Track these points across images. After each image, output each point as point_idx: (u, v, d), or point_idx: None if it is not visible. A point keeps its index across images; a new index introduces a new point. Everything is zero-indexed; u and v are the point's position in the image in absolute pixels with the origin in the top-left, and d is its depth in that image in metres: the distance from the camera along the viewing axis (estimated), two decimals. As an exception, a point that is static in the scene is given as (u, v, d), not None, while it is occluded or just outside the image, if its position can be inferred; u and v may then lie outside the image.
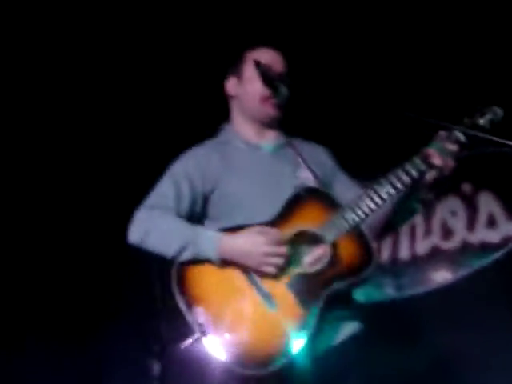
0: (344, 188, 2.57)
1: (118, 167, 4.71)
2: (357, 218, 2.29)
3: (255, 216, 2.35)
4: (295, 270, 2.27)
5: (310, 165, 2.52)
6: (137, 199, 2.49)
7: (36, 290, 4.71)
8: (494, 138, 1.98)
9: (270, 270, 2.23)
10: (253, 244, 2.24)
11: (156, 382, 2.89)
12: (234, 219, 2.39)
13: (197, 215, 2.48)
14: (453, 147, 2.30)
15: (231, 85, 2.63)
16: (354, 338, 2.37)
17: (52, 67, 4.44)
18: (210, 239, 2.29)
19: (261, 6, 4.14)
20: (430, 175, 2.34)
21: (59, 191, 4.76)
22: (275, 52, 2.60)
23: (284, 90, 2.45)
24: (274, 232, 2.27)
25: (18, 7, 4.06)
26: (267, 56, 2.55)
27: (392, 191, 2.32)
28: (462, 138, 2.32)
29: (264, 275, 2.25)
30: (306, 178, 2.49)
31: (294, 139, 2.64)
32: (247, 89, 2.57)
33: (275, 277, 2.24)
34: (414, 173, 2.31)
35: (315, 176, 2.49)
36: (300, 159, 2.52)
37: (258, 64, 2.45)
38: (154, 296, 4.08)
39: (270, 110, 2.54)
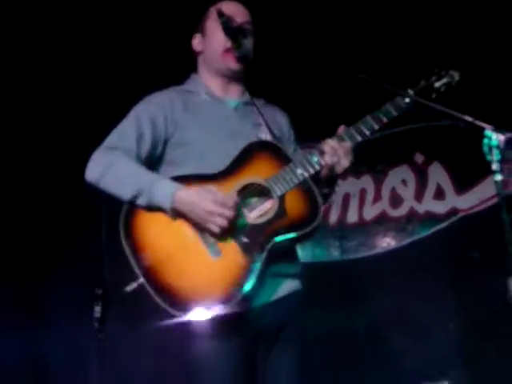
0: (293, 153, 2.57)
1: (81, 104, 4.64)
2: (306, 174, 2.31)
3: (210, 166, 2.35)
4: (243, 222, 2.28)
5: (271, 126, 2.52)
6: (98, 138, 2.45)
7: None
8: (441, 109, 2.00)
9: (213, 228, 2.23)
10: (200, 199, 2.24)
11: (96, 324, 2.91)
12: (191, 167, 2.38)
13: (155, 158, 2.46)
14: (345, 146, 2.31)
15: (197, 41, 2.61)
16: (292, 295, 2.40)
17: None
18: (165, 188, 2.27)
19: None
20: (323, 172, 2.35)
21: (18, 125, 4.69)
22: (239, 4, 2.58)
23: (245, 42, 2.44)
24: (224, 194, 2.26)
25: (18, 7, 3.97)
26: (230, 7, 2.52)
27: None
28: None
29: (207, 232, 2.25)
30: (265, 137, 2.49)
31: (257, 99, 2.63)
32: (209, 42, 2.55)
33: (217, 236, 2.24)
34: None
35: (274, 136, 2.49)
36: (261, 119, 2.52)
37: (220, 14, 2.42)
38: (100, 239, 4.08)
39: (231, 63, 2.51)
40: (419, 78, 2.41)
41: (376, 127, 2.34)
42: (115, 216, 2.40)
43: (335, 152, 2.29)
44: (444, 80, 2.38)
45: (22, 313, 4.64)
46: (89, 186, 2.37)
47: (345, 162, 2.31)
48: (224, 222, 2.22)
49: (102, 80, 4.59)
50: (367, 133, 2.34)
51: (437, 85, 2.38)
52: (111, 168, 2.33)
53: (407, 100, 2.33)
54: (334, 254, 4.58)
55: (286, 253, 2.33)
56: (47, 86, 4.66)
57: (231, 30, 2.42)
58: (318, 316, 2.86)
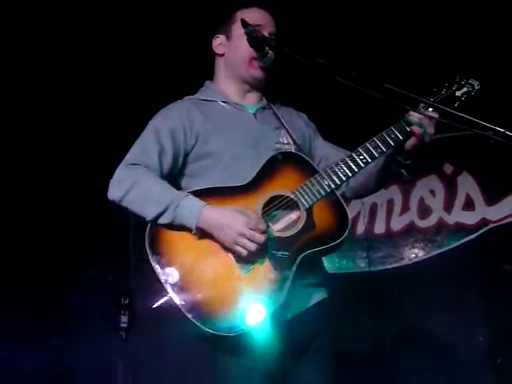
0: (323, 153, 2.56)
1: (100, 121, 4.67)
2: (332, 185, 2.28)
3: (233, 177, 2.32)
4: (271, 235, 2.24)
5: (290, 129, 2.50)
6: (118, 154, 2.42)
7: (12, 238, 4.72)
8: (465, 116, 1.97)
9: (240, 250, 2.18)
10: (232, 220, 2.19)
11: (123, 334, 2.91)
12: (214, 178, 2.35)
13: (176, 171, 2.42)
14: (433, 114, 2.27)
15: (219, 43, 2.56)
16: (321, 304, 2.37)
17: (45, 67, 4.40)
18: (191, 207, 2.22)
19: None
20: (410, 142, 2.31)
21: (43, 145, 4.74)
22: (265, 12, 2.54)
23: (270, 53, 2.42)
24: (255, 217, 2.21)
25: (18, 7, 4.00)
26: (256, 16, 2.49)
27: (369, 160, 2.30)
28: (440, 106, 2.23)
29: (234, 254, 2.21)
30: (287, 142, 2.47)
31: (273, 103, 2.61)
32: (235, 48, 2.51)
33: (245, 260, 2.19)
34: (391, 142, 2.30)
35: (294, 141, 2.47)
36: (281, 123, 2.50)
37: (245, 24, 2.38)
38: (128, 252, 4.10)
39: (255, 72, 2.48)
40: (434, 86, 2.37)
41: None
42: (143, 226, 2.39)
43: (422, 121, 2.27)
44: (464, 89, 2.34)
45: (48, 323, 4.67)
46: (112, 204, 2.33)
47: (431, 131, 2.28)
48: (252, 247, 2.17)
49: (117, 92, 4.59)
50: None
51: (458, 94, 2.34)
52: (134, 186, 2.28)
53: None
54: (361, 265, 4.54)
55: (312, 263, 2.30)
56: (69, 101, 4.69)
57: (256, 40, 2.39)
58: (344, 327, 2.83)
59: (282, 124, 2.49)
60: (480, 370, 3.96)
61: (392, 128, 2.31)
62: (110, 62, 4.47)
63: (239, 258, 2.20)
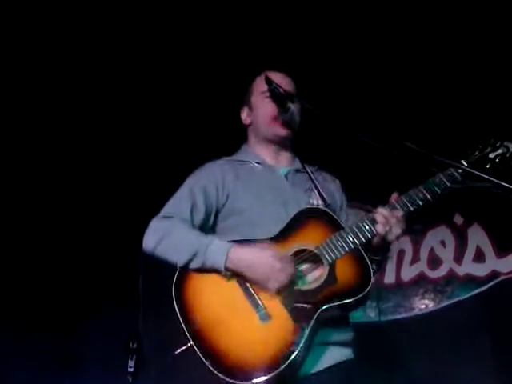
0: (345, 221, 2.55)
1: (139, 176, 4.78)
2: (357, 241, 2.29)
3: (262, 233, 2.36)
4: (293, 288, 2.26)
5: (322, 191, 2.53)
6: (155, 208, 2.52)
7: (21, 279, 4.74)
8: (495, 180, 1.98)
9: (273, 284, 2.23)
10: (260, 256, 2.25)
11: (130, 378, 2.90)
12: (242, 234, 2.40)
13: (208, 228, 2.49)
14: (398, 213, 2.28)
15: (244, 114, 2.69)
16: (344, 363, 2.34)
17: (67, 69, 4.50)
18: (219, 248, 2.29)
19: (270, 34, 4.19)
20: (375, 240, 2.31)
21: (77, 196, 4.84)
22: (283, 75, 2.64)
23: (292, 107, 2.50)
24: (280, 252, 2.27)
25: (18, 7, 4.09)
26: (276, 77, 2.58)
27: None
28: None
29: (265, 290, 2.24)
30: (317, 204, 2.49)
31: (309, 166, 2.66)
32: (257, 113, 2.62)
33: (276, 293, 2.23)
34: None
35: (325, 203, 2.49)
36: (313, 185, 2.54)
37: (268, 81, 2.48)
38: (137, 296, 4.10)
39: (278, 130, 2.56)
40: (467, 148, 2.39)
41: (429, 198, 2.31)
42: (153, 270, 2.42)
43: (387, 221, 2.27)
44: (499, 151, 2.35)
45: (56, 365, 4.66)
46: (145, 255, 2.41)
47: (397, 231, 2.27)
48: (284, 278, 2.22)
49: (158, 152, 4.72)
50: (420, 203, 2.31)
51: (491, 155, 2.34)
52: (167, 235, 2.37)
53: (461, 171, 2.30)
54: (371, 314, 4.51)
55: (336, 320, 2.29)
56: (107, 152, 4.82)
57: (278, 95, 2.47)
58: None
59: (315, 186, 2.53)
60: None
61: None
62: (163, 123, 4.62)
63: (259, 307, 2.22)
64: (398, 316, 4.44)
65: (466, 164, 2.32)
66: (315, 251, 2.30)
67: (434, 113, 4.31)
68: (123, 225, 4.67)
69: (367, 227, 2.30)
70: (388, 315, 4.47)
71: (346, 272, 2.28)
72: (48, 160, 4.80)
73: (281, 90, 2.47)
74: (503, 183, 1.91)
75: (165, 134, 4.69)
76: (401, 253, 4.57)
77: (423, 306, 4.42)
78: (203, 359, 2.18)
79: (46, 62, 4.38)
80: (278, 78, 2.57)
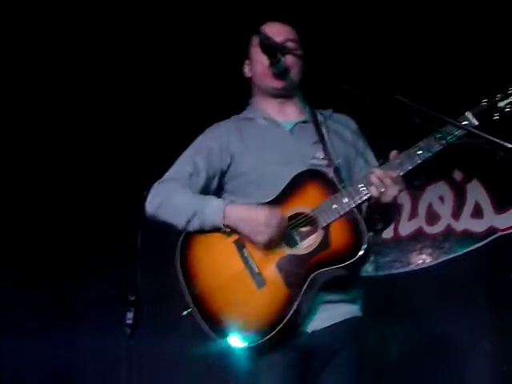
0: (364, 165, 2.55)
1: (149, 139, 4.73)
2: (352, 203, 2.28)
3: (265, 195, 2.38)
4: (287, 251, 2.29)
5: (331, 144, 2.50)
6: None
7: (19, 231, 4.74)
8: (492, 138, 1.94)
9: (262, 237, 2.27)
10: (253, 211, 2.31)
11: (128, 330, 2.92)
12: (248, 196, 2.43)
13: (213, 188, 2.53)
14: (394, 174, 2.25)
15: (247, 68, 2.68)
16: (349, 320, 2.38)
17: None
18: (215, 206, 2.36)
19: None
20: (372, 201, 2.30)
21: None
22: (282, 24, 2.60)
23: (283, 58, 2.45)
24: (271, 208, 2.30)
25: (18, 7, 4.06)
26: (273, 28, 2.55)
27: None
28: (474, 121, 2.24)
29: (256, 245, 2.29)
30: (323, 158, 2.47)
31: (323, 111, 2.63)
32: (254, 66, 2.60)
33: (266, 248, 2.28)
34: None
35: (329, 157, 2.46)
36: (320, 137, 2.51)
37: (258, 32, 2.45)
38: (135, 248, 4.10)
39: (272, 82, 2.54)
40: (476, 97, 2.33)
41: (428, 156, 2.28)
42: (150, 223, 2.44)
43: (382, 182, 2.24)
44: (510, 99, 2.27)
45: (52, 316, 4.70)
46: (150, 220, 2.48)
47: (393, 192, 2.25)
48: (274, 231, 2.25)
49: (167, 112, 4.69)
50: (418, 161, 2.28)
51: (501, 104, 2.27)
52: (166, 200, 2.44)
53: (469, 123, 2.25)
54: (368, 269, 4.53)
55: (339, 280, 2.30)
56: (108, 121, 4.80)
57: (267, 46, 2.44)
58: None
59: (322, 139, 2.50)
60: (486, 378, 3.95)
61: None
62: (166, 83, 4.59)
63: (255, 272, 2.27)
64: (395, 271, 4.46)
65: (471, 115, 2.27)
66: (311, 214, 2.29)
67: (439, 65, 4.24)
68: (121, 177, 4.67)
69: (362, 189, 2.28)
70: (385, 270, 4.48)
71: (339, 236, 2.28)
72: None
73: (270, 41, 2.42)
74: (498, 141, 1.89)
75: (176, 90, 4.62)
76: (399, 208, 4.56)
77: (420, 261, 4.43)
78: (201, 322, 2.26)
79: (42, 56, 4.38)
80: (275, 28, 2.54)
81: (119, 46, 4.45)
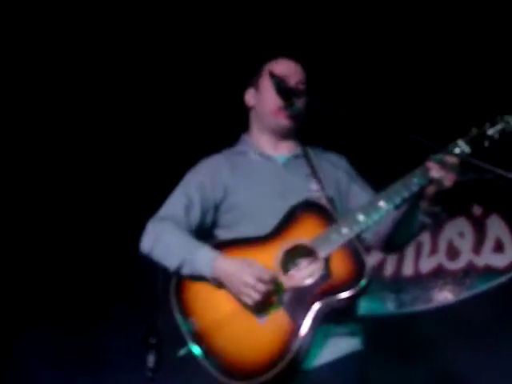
0: (359, 201, 2.53)
1: (140, 176, 4.80)
2: (351, 233, 2.28)
3: (261, 227, 2.36)
4: (288, 283, 2.27)
5: (324, 176, 2.52)
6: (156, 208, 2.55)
7: (44, 280, 4.81)
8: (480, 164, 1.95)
9: (246, 300, 2.24)
10: (238, 271, 2.25)
11: (149, 373, 2.92)
12: (243, 230, 2.42)
13: (208, 223, 2.51)
14: (453, 159, 2.25)
15: (249, 95, 2.66)
16: (352, 356, 2.34)
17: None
18: (204, 258, 2.32)
19: (282, 18, 4.17)
20: (431, 188, 2.29)
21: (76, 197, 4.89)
22: (293, 63, 2.61)
23: (297, 101, 2.48)
24: (261, 268, 2.26)
25: (18, 7, 4.13)
26: (284, 67, 2.57)
27: (390, 206, 2.30)
28: (465, 148, 2.28)
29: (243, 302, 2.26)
30: (316, 190, 2.48)
31: (312, 149, 2.64)
32: (262, 99, 2.59)
33: (253, 310, 2.24)
34: (413, 186, 2.28)
35: (323, 189, 2.47)
36: (313, 171, 2.52)
37: (272, 75, 2.47)
38: (155, 291, 4.11)
39: (282, 121, 2.54)
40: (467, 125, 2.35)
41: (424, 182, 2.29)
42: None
43: (441, 166, 2.24)
44: (498, 126, 2.29)
45: (76, 361, 4.70)
46: (144, 258, 2.46)
47: (451, 177, 2.24)
48: (256, 296, 2.22)
49: (158, 150, 4.73)
50: (414, 189, 2.29)
51: (490, 132, 2.29)
52: (160, 239, 2.41)
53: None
54: (390, 307, 4.49)
55: (339, 312, 2.29)
56: (108, 156, 4.85)
57: (283, 90, 2.46)
58: (372, 371, 2.80)
59: (315, 171, 2.51)
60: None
61: (414, 172, 2.30)
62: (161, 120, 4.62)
63: (254, 308, 2.24)
64: (417, 308, 4.41)
65: (463, 142, 2.28)
66: (310, 245, 2.28)
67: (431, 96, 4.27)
68: (133, 224, 4.70)
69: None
70: (407, 307, 4.45)
71: (340, 265, 2.27)
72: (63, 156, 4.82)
73: (286, 85, 2.46)
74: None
75: (163, 130, 4.68)
76: (419, 244, 4.52)
77: (442, 298, 4.38)
78: (204, 362, 2.21)
79: (44, 58, 4.41)
80: (286, 68, 2.56)
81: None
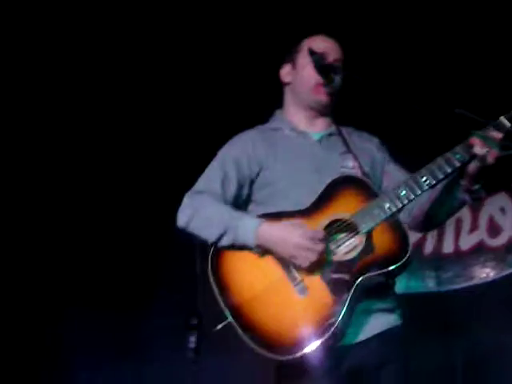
0: (393, 179, 2.51)
1: (175, 151, 4.81)
2: (393, 208, 2.26)
3: (296, 203, 2.36)
4: (329, 258, 2.26)
5: (358, 154, 2.49)
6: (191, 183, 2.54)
7: (88, 264, 4.90)
8: None
9: (301, 262, 2.23)
10: (289, 233, 2.25)
11: (191, 354, 2.94)
12: (278, 205, 2.40)
13: (243, 198, 2.50)
14: (497, 135, 2.21)
15: (286, 72, 2.64)
16: (391, 331, 2.34)
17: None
18: (248, 225, 2.31)
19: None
20: (473, 165, 2.25)
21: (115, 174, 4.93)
22: (331, 40, 2.59)
23: (336, 78, 2.47)
24: (312, 229, 2.26)
25: (18, 7, 4.13)
26: (322, 44, 2.55)
27: (432, 181, 2.28)
28: (507, 124, 2.24)
29: (294, 267, 2.25)
30: (352, 167, 2.46)
31: (345, 128, 2.62)
32: (300, 76, 2.57)
33: (307, 270, 2.24)
34: (456, 162, 2.26)
35: (360, 165, 2.46)
36: (348, 148, 2.50)
37: (312, 52, 2.47)
38: (195, 272, 4.14)
39: (321, 98, 2.52)
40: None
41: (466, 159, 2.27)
42: (206, 247, 2.45)
43: (486, 142, 2.21)
44: None
45: (119, 346, 4.78)
46: (181, 233, 2.44)
47: (495, 152, 2.20)
48: (313, 257, 2.21)
49: (190, 125, 4.73)
50: (457, 165, 2.27)
51: None
52: (198, 212, 2.40)
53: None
54: (430, 285, 4.46)
55: (379, 288, 2.28)
56: (137, 138, 4.88)
57: (323, 67, 2.46)
58: (413, 349, 2.80)
59: (349, 149, 2.49)
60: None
61: (456, 149, 2.28)
62: (190, 96, 4.62)
63: (296, 280, 2.23)
64: (458, 286, 4.38)
65: (505, 119, 2.25)
66: (351, 220, 2.28)
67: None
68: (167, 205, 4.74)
69: (402, 194, 2.26)
70: (447, 285, 4.41)
71: (383, 240, 2.26)
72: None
73: (325, 62, 2.46)
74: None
75: (199, 105, 4.66)
76: (459, 221, 4.47)
77: (483, 275, 4.34)
78: (242, 335, 2.20)
79: (46, 60, 4.42)
80: (324, 46, 2.54)
81: (131, 59, 4.51)
